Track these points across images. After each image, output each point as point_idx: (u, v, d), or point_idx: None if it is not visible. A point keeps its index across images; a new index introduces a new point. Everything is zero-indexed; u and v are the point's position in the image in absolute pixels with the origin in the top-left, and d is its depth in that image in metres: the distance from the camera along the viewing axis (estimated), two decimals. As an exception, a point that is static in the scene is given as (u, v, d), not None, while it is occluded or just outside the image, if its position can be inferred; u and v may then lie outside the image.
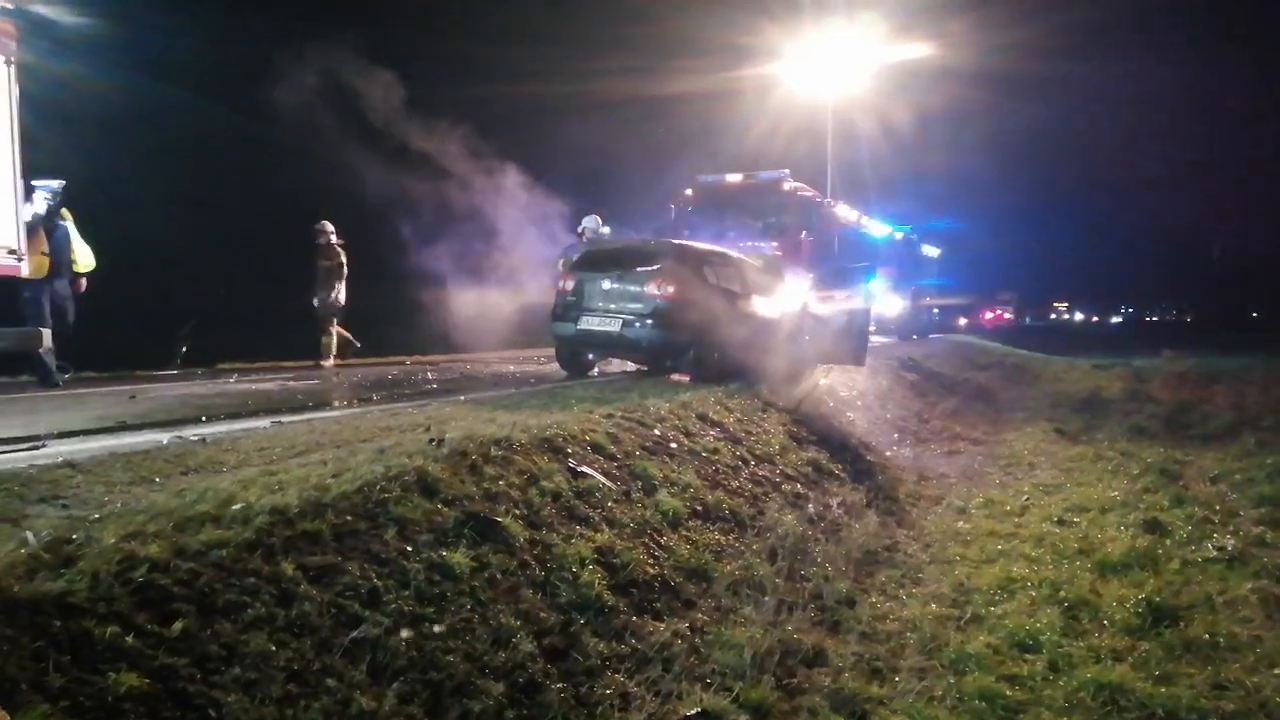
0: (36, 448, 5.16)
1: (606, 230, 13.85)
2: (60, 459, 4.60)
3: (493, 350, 15.82)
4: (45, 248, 9.17)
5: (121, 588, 2.91)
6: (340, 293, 12.34)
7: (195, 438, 5.56)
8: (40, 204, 9.17)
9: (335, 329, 12.44)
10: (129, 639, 2.74)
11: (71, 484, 4.12)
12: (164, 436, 5.62)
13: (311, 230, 12.47)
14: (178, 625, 2.89)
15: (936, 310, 32.50)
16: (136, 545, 3.13)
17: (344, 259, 12.41)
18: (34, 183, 9.19)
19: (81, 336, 9.99)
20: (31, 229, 8.94)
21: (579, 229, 13.66)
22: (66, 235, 9.52)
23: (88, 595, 2.81)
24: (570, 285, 10.76)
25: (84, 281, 9.80)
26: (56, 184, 9.40)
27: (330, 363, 12.22)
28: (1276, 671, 4.92)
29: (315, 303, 12.38)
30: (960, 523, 8.51)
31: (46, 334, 9.28)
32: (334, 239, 12.43)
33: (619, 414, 7.20)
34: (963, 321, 39.44)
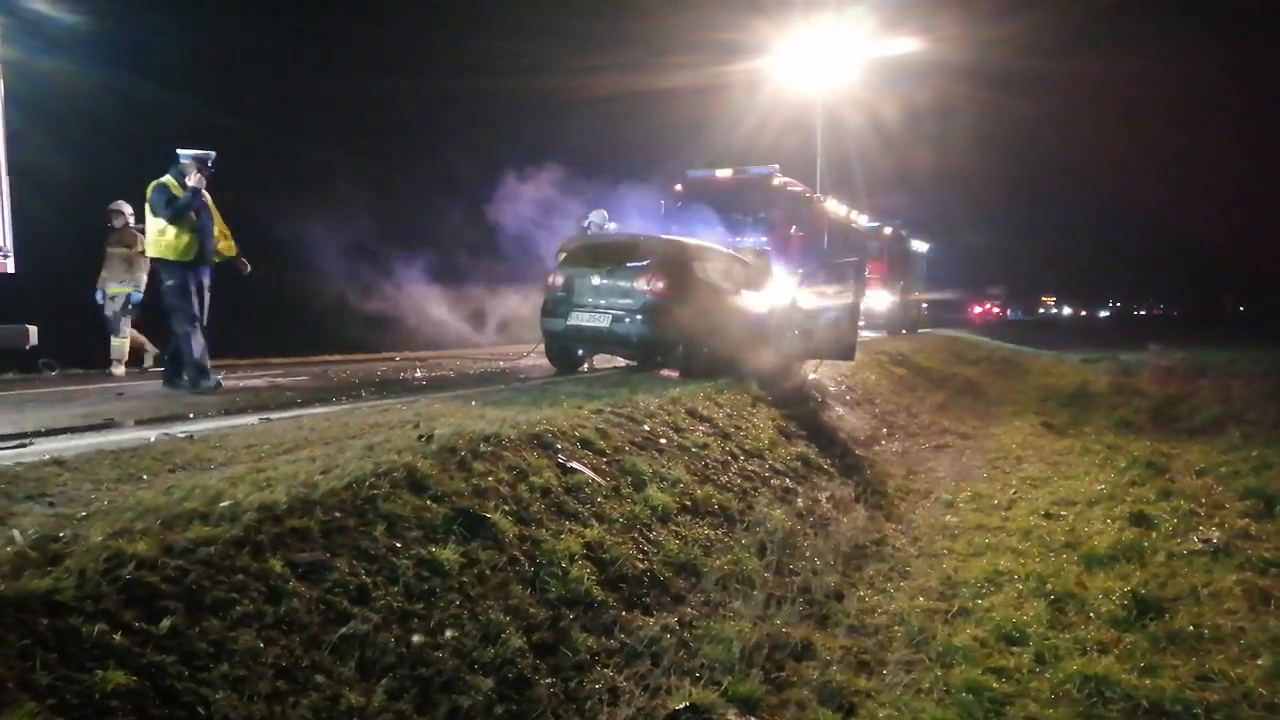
0: (24, 445, 5.15)
1: (613, 225, 13.80)
2: (47, 456, 4.58)
3: (483, 346, 15.84)
4: (195, 223, 8.25)
5: (109, 585, 2.90)
6: (141, 286, 10.40)
7: (183, 434, 5.55)
8: (193, 174, 8.21)
9: (130, 329, 10.47)
10: (116, 636, 2.74)
11: (58, 482, 4.10)
12: (151, 433, 5.61)
13: (106, 212, 10.43)
14: (165, 622, 2.88)
15: (925, 305, 32.61)
16: (124, 543, 3.12)
17: (144, 247, 10.07)
18: (180, 150, 8.33)
19: (68, 333, 9.87)
20: (187, 204, 8.16)
21: (585, 223, 13.61)
22: (211, 214, 8.55)
23: (75, 593, 2.81)
24: (560, 281, 10.74)
25: (244, 263, 8.96)
26: (203, 153, 8.35)
27: (122, 370, 10.17)
28: (1260, 662, 4.96)
29: (105, 296, 10.32)
30: (948, 516, 8.55)
31: (32, 331, 9.18)
32: (133, 223, 10.37)
33: (608, 409, 7.21)
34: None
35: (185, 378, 8.35)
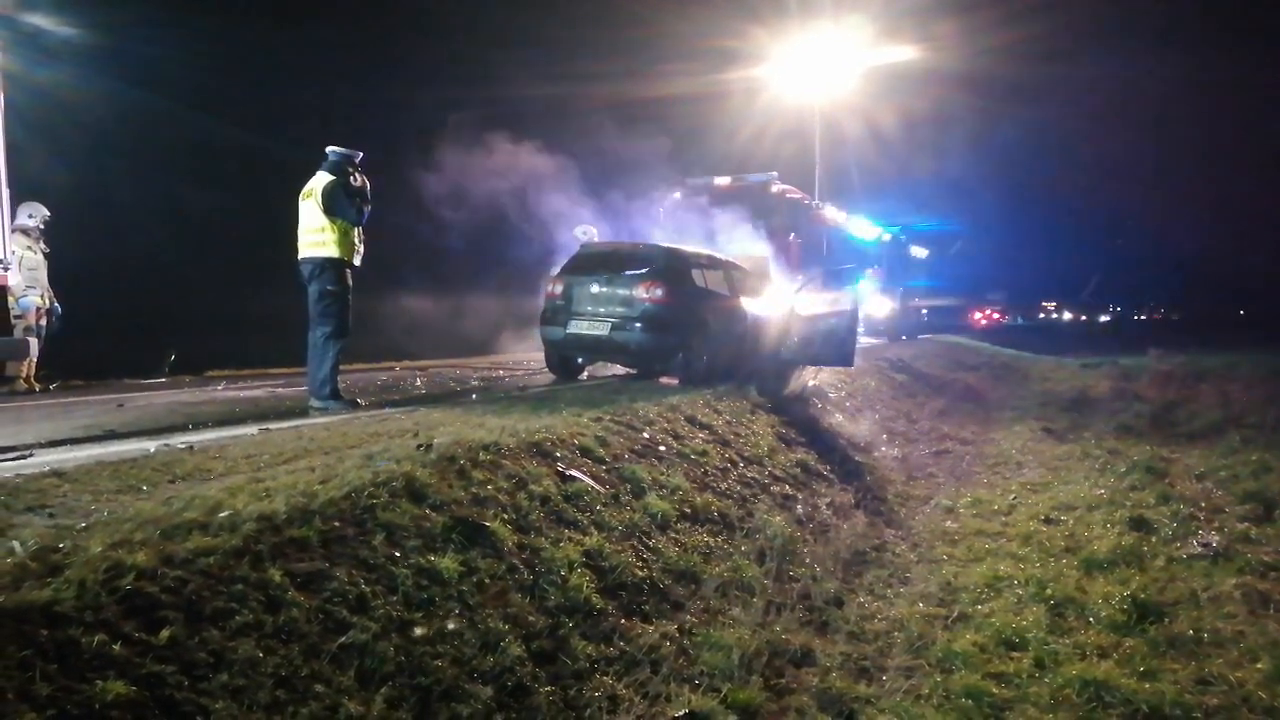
0: (24, 457, 5.16)
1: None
2: (47, 468, 4.59)
3: (482, 354, 15.85)
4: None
5: (109, 596, 2.91)
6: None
7: (183, 445, 5.56)
8: (356, 174, 7.89)
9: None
10: (116, 647, 2.75)
11: (58, 493, 4.11)
12: (151, 444, 5.61)
13: (39, 214, 9.35)
14: (165, 633, 2.89)
15: (925, 311, 32.60)
16: (123, 553, 3.13)
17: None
18: (332, 148, 7.91)
19: (70, 344, 9.84)
20: (365, 203, 7.89)
21: (583, 237, 13.56)
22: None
23: (75, 604, 2.82)
24: (559, 289, 10.77)
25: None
26: (352, 151, 7.97)
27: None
28: (1259, 666, 4.97)
29: (51, 307, 9.54)
30: (948, 522, 8.56)
31: (34, 344, 9.19)
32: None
33: (608, 417, 7.22)
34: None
35: (319, 393, 7.92)
